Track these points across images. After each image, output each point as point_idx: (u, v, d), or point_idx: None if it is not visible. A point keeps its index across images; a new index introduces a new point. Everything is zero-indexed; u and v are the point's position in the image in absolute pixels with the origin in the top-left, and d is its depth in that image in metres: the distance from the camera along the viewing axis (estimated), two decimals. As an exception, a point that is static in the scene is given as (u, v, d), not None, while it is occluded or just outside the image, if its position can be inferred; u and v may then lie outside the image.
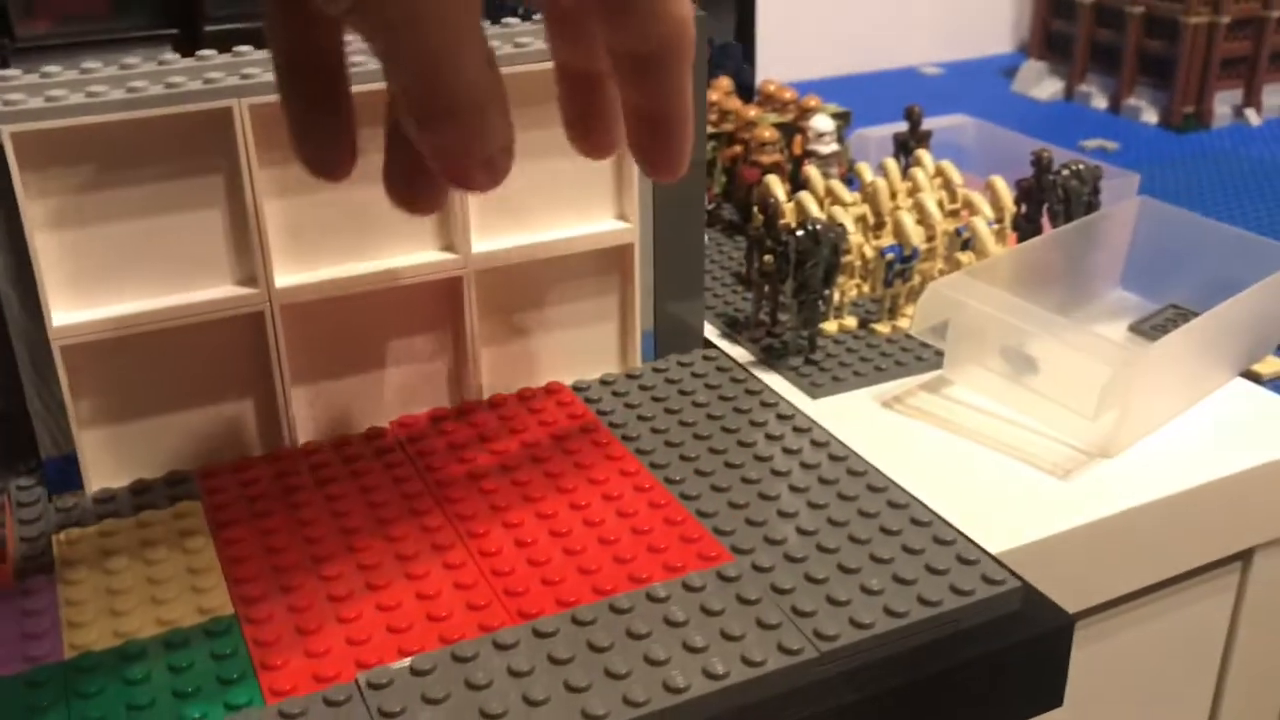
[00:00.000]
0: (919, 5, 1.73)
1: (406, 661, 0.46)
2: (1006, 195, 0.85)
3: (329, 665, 0.46)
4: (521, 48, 0.60)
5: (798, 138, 1.01)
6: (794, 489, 0.56)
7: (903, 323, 0.82)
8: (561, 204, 0.64)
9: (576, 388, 0.66)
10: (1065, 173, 0.85)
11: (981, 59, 1.77)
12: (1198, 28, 1.36)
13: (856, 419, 0.71)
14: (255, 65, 0.55)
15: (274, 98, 0.49)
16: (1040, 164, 0.86)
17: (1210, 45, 1.36)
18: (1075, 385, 0.67)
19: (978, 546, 0.52)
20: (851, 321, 0.82)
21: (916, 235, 0.81)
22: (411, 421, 0.63)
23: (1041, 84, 1.55)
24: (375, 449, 0.61)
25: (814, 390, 0.75)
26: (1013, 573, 0.50)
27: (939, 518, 0.54)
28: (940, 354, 0.77)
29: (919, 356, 0.79)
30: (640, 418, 0.63)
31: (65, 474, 0.57)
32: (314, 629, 0.48)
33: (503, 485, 0.57)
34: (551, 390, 0.66)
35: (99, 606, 0.50)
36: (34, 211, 0.52)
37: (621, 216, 0.66)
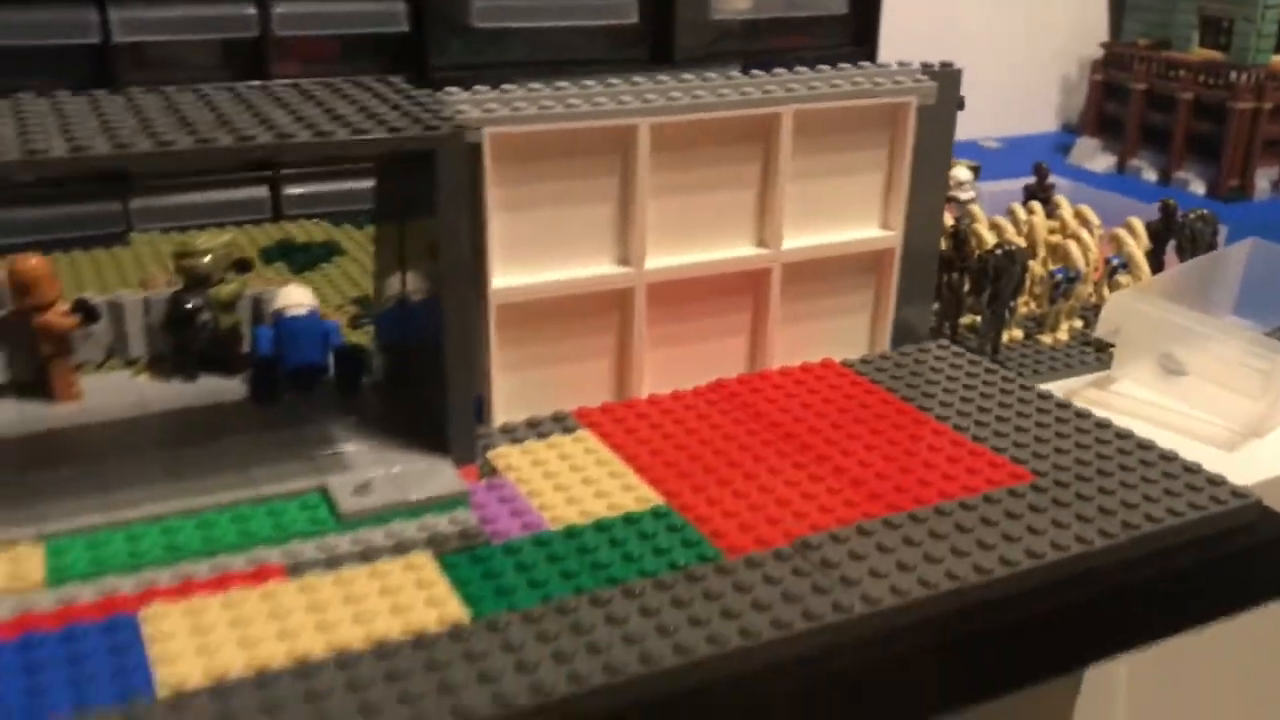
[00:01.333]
0: (979, 86, 1.93)
1: (823, 533, 0.60)
2: (1144, 234, 1.03)
3: (763, 535, 0.60)
4: (815, 90, 0.76)
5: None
6: (1060, 434, 0.72)
7: (1061, 334, 0.98)
8: (842, 212, 0.80)
9: (845, 364, 0.82)
10: (1192, 216, 1.03)
11: (1029, 135, 1.97)
12: (1244, 112, 1.56)
13: (1052, 403, 0.87)
14: (653, 92, 0.71)
15: (670, 119, 0.65)
16: (1167, 210, 1.04)
17: (1254, 128, 1.57)
18: (1241, 376, 0.83)
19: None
20: (1019, 333, 0.99)
21: (1081, 260, 0.97)
22: (727, 383, 0.78)
23: (1095, 158, 1.75)
24: (707, 400, 0.76)
25: (1007, 383, 0.90)
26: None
27: (1178, 455, 0.70)
28: (1099, 359, 0.93)
29: (1082, 360, 0.95)
30: (909, 385, 0.78)
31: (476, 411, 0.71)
32: (736, 513, 0.62)
33: (825, 426, 0.72)
34: (827, 365, 0.81)
35: (556, 498, 0.64)
36: (492, 197, 0.67)
37: (886, 225, 0.82)
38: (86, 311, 0.71)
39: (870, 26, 1.39)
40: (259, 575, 0.55)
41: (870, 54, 1.40)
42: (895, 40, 1.39)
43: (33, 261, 0.69)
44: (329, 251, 1.03)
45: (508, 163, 0.68)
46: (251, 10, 1.07)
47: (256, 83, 0.66)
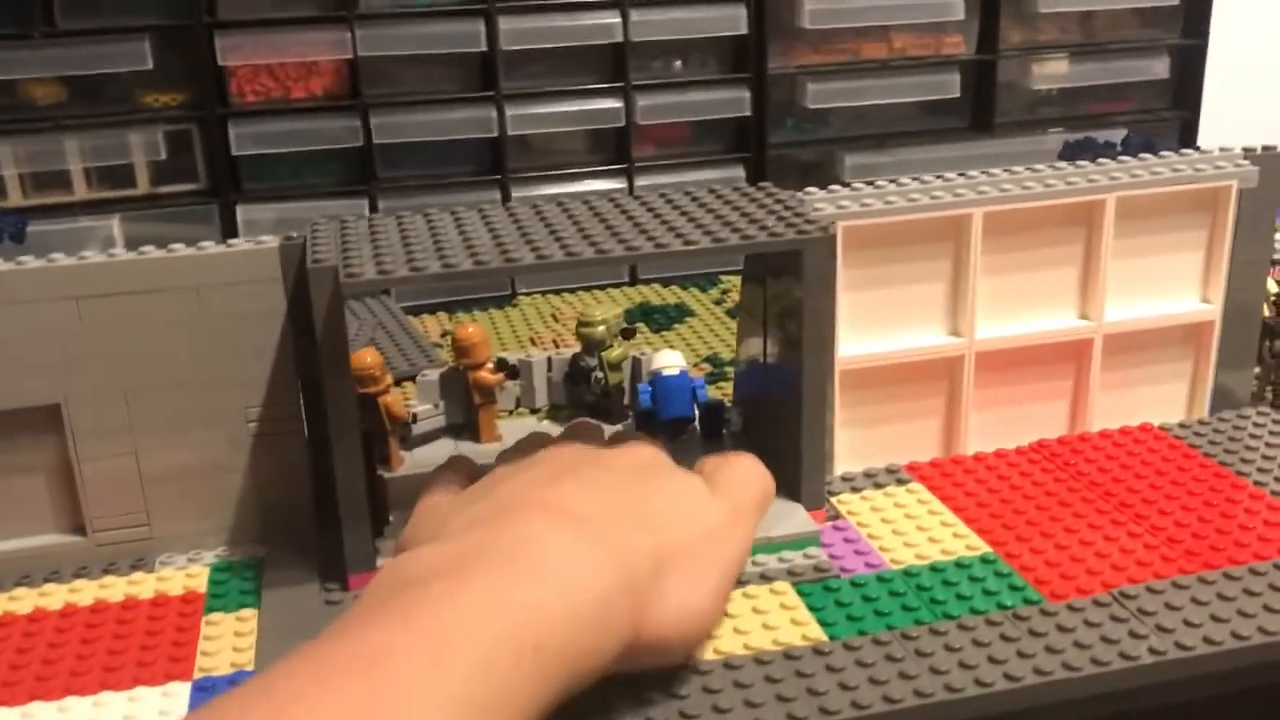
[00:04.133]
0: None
1: (1140, 585, 0.67)
2: None
3: (1083, 584, 0.68)
4: (1138, 178, 0.82)
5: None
6: (1381, 504, 0.75)
7: (1395, 403, 0.99)
8: (1162, 287, 0.86)
9: (1164, 428, 0.87)
10: None
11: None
12: None
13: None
14: (986, 184, 0.80)
15: (1001, 207, 0.74)
16: None
17: None
18: None
19: None
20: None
21: None
22: (1048, 443, 0.86)
23: None
24: (1029, 459, 0.84)
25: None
26: None
27: None
28: None
29: None
30: (1227, 450, 0.83)
31: (818, 460, 0.83)
32: (1058, 563, 0.70)
33: (1143, 486, 0.79)
34: (1145, 429, 0.87)
35: (894, 542, 0.74)
36: (841, 279, 0.79)
37: (1205, 299, 0.87)
38: (508, 370, 0.88)
39: (1193, 91, 1.41)
40: (655, 591, 0.69)
41: (1192, 119, 1.42)
42: (1218, 105, 1.40)
43: (471, 329, 0.87)
44: (681, 313, 1.18)
45: (856, 249, 0.79)
46: (619, 104, 1.25)
47: (652, 194, 0.80)
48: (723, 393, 1.01)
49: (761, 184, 0.79)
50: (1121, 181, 0.82)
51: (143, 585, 0.71)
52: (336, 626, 0.49)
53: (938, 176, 0.82)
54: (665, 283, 1.27)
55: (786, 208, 0.74)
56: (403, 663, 0.45)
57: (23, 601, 0.70)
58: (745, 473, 0.69)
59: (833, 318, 0.79)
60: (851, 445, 0.83)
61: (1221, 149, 0.86)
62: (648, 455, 0.68)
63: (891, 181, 0.81)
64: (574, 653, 0.51)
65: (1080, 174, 0.82)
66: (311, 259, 0.65)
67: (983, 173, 0.82)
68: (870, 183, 0.81)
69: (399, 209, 0.75)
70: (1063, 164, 0.83)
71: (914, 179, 0.81)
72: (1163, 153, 0.85)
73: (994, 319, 0.83)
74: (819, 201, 0.78)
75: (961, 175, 0.82)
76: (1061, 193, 0.81)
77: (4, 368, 0.69)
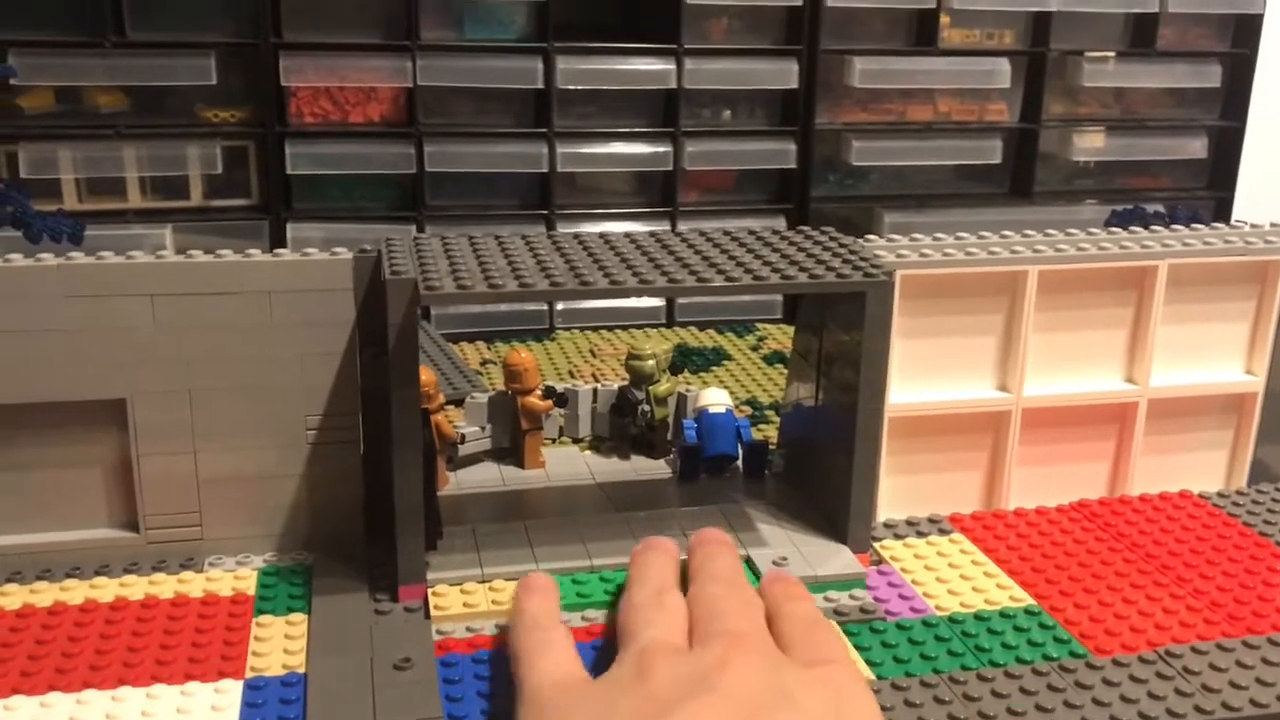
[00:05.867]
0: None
1: (1185, 645, 0.68)
2: None
3: (1128, 640, 0.69)
4: (1190, 246, 0.84)
5: None
6: None
7: None
8: (1207, 355, 0.87)
9: (1202, 495, 0.88)
10: None
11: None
12: None
13: None
14: (1042, 243, 0.82)
15: (1056, 267, 0.75)
16: None
17: None
18: None
19: None
20: (1381, 481, 1.00)
21: None
22: (1089, 503, 0.86)
23: None
24: (1069, 517, 0.84)
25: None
26: None
27: None
28: None
29: None
30: (1267, 521, 0.84)
31: (861, 506, 0.83)
32: (1101, 619, 0.71)
33: (1183, 550, 0.79)
34: (1185, 495, 0.88)
35: (938, 589, 0.74)
36: (896, 326, 0.80)
37: (1250, 370, 0.88)
38: (557, 398, 0.89)
39: (1229, 172, 1.43)
40: (702, 621, 0.69)
41: (1227, 199, 1.44)
42: (1254, 187, 1.42)
43: (524, 355, 0.88)
44: (719, 356, 1.19)
45: (911, 298, 0.80)
46: (668, 149, 1.27)
47: (719, 229, 0.81)
48: (761, 435, 1.02)
49: (824, 229, 0.80)
50: (1174, 249, 0.83)
51: (192, 584, 0.72)
52: None
53: (997, 233, 0.83)
54: (702, 326, 1.29)
55: (851, 252, 0.75)
56: None
57: (74, 592, 0.70)
58: None
59: (887, 362, 0.80)
60: (894, 493, 0.84)
61: (1273, 224, 0.87)
62: (846, 685, 0.58)
63: (952, 235, 0.82)
64: None
65: (1134, 239, 0.84)
66: (390, 270, 0.67)
67: (1041, 233, 0.84)
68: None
69: (445, 236, 0.76)
70: (1116, 229, 0.85)
71: (974, 234, 0.83)
72: (1214, 224, 0.87)
73: (1042, 377, 0.84)
74: (878, 249, 0.80)
75: (1019, 233, 0.83)
76: (1116, 256, 0.82)
77: (76, 360, 0.70)
